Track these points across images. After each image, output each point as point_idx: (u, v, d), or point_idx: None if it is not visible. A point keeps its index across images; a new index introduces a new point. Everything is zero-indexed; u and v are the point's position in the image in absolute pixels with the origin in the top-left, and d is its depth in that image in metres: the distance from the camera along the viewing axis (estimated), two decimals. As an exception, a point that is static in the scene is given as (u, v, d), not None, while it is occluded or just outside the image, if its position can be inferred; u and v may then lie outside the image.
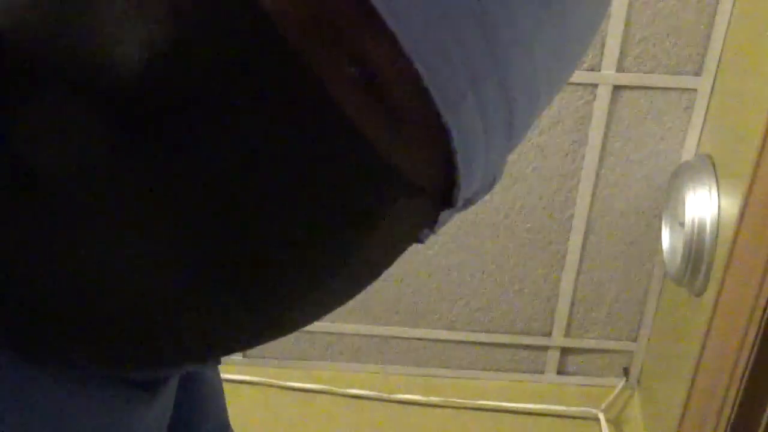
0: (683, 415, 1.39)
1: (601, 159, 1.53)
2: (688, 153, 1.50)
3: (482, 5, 0.25)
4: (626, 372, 1.75)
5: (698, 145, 1.49)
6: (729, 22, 1.38)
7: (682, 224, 1.40)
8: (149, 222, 0.25)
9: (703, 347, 1.31)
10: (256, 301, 0.29)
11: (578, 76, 1.45)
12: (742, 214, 1.19)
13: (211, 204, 0.25)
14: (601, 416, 1.70)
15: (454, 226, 1.62)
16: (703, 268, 1.35)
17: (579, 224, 1.60)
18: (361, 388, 1.75)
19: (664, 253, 1.50)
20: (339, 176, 0.27)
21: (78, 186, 0.25)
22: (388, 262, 0.32)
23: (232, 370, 1.78)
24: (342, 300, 0.33)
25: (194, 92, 0.25)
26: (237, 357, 1.79)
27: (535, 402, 1.73)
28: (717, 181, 1.35)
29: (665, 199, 1.52)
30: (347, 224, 0.28)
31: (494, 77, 0.27)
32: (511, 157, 1.60)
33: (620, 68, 1.44)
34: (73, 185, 0.25)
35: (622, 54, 1.43)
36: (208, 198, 0.25)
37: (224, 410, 0.51)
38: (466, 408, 1.74)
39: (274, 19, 0.25)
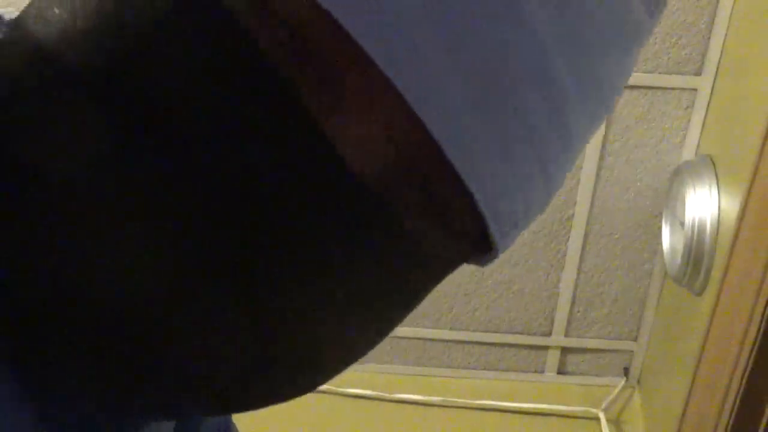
0: (683, 415, 1.39)
1: (601, 159, 1.53)
2: (688, 153, 1.50)
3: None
4: (626, 372, 1.75)
5: (698, 145, 1.49)
6: (729, 22, 1.38)
7: (682, 224, 1.40)
8: (149, 223, 0.25)
9: (703, 347, 1.31)
10: (260, 310, 0.26)
11: (578, 76, 1.45)
12: (742, 214, 1.19)
13: (212, 208, 0.24)
14: (601, 416, 1.70)
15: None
16: (703, 267, 1.35)
17: (579, 224, 1.60)
18: (361, 388, 1.75)
19: (664, 253, 1.50)
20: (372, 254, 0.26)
21: (79, 185, 0.25)
22: (413, 297, 0.31)
23: (232, 370, 1.78)
24: (369, 333, 0.30)
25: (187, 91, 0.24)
26: (237, 357, 1.79)
27: (535, 402, 1.73)
28: (717, 181, 1.35)
29: (665, 199, 1.52)
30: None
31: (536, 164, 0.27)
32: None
33: (620, 68, 1.44)
34: (74, 184, 0.25)
35: (622, 54, 1.43)
36: (210, 200, 0.24)
37: None
38: (466, 408, 1.74)
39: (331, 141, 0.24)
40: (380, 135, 0.24)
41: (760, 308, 1.12)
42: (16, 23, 0.26)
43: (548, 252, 1.64)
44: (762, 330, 1.12)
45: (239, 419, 1.88)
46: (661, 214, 1.55)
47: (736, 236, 1.20)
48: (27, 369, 0.26)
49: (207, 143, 0.24)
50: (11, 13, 0.31)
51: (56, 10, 0.25)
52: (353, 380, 1.77)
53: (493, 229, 0.27)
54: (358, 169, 0.24)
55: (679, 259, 1.42)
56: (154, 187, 0.24)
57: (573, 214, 1.59)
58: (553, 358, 1.76)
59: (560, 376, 1.78)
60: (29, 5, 0.27)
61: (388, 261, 0.27)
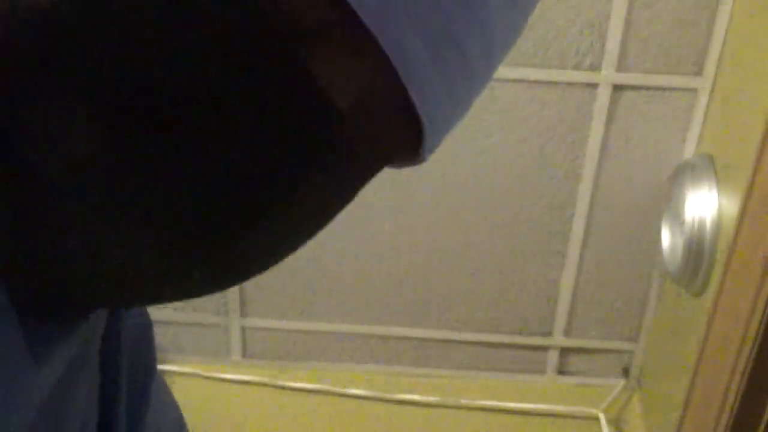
0: (683, 415, 1.39)
1: (601, 159, 1.53)
2: (688, 153, 1.50)
3: None
4: (626, 372, 1.75)
5: (698, 145, 1.49)
6: (729, 22, 1.38)
7: (682, 224, 1.40)
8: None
9: (703, 347, 1.31)
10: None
11: (578, 76, 1.45)
12: (742, 214, 1.19)
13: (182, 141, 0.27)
14: (601, 416, 1.70)
15: (453, 226, 1.62)
16: (703, 268, 1.35)
17: (579, 224, 1.60)
18: (361, 388, 1.75)
19: (664, 253, 1.50)
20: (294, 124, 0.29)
21: (66, 167, 0.27)
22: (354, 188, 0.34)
23: (232, 370, 1.78)
24: (316, 223, 0.34)
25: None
26: (237, 357, 1.79)
27: (535, 402, 1.73)
28: (717, 181, 1.35)
29: (665, 198, 1.52)
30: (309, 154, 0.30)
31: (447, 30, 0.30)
32: (511, 157, 1.60)
33: (620, 68, 1.44)
34: (63, 169, 0.27)
35: (622, 54, 1.43)
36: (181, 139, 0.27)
37: (177, 406, 0.53)
38: (466, 408, 1.74)
39: None
40: (359, 75, 0.29)
41: (760, 308, 1.12)
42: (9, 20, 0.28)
43: (548, 252, 1.64)
44: (762, 330, 1.12)
45: (239, 419, 1.89)
46: (661, 213, 1.55)
47: (735, 236, 1.20)
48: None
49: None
50: None
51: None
52: (353, 380, 1.77)
53: (427, 129, 0.31)
54: (337, 100, 0.29)
55: (679, 259, 1.42)
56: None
57: (573, 214, 1.59)
58: (553, 358, 1.76)
59: (560, 376, 1.78)
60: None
61: (340, 175, 0.31)
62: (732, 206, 1.27)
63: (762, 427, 1.19)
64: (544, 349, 1.76)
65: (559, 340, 1.74)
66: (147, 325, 0.47)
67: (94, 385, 0.40)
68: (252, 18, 0.26)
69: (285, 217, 0.31)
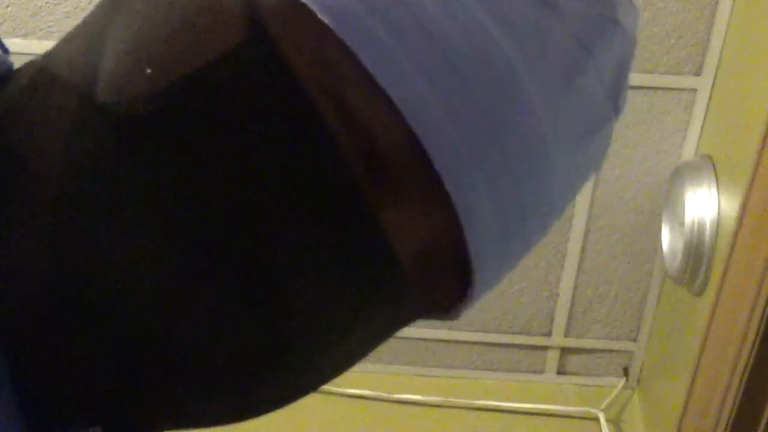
0: (683, 415, 1.39)
1: (601, 159, 1.53)
2: (688, 153, 1.50)
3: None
4: (626, 372, 1.75)
5: (698, 145, 1.49)
6: (729, 22, 1.38)
7: (682, 224, 1.40)
8: (152, 224, 0.27)
9: (703, 347, 1.31)
10: (259, 308, 0.29)
11: (578, 76, 1.45)
12: (742, 214, 1.19)
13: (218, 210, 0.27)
14: (601, 416, 1.70)
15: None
16: (703, 268, 1.35)
17: (579, 224, 1.60)
18: (361, 388, 1.75)
19: (664, 253, 1.50)
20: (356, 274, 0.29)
21: (82, 185, 0.27)
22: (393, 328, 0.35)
23: (232, 370, 1.78)
24: (352, 356, 0.35)
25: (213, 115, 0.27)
26: (237, 357, 1.79)
27: (535, 402, 1.73)
28: (717, 181, 1.35)
29: (665, 199, 1.52)
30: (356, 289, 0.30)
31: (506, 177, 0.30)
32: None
33: (620, 68, 1.44)
34: (78, 185, 0.27)
35: (622, 54, 1.43)
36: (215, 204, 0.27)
37: None
38: (466, 408, 1.74)
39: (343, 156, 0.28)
40: (425, 228, 0.30)
41: (760, 308, 1.12)
42: (42, 69, 0.30)
43: (548, 252, 1.64)
44: (762, 330, 1.12)
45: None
46: (661, 214, 1.55)
47: (735, 236, 1.20)
48: (21, 378, 0.28)
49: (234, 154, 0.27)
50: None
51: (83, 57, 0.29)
52: (353, 380, 1.77)
53: (475, 277, 0.32)
54: (399, 249, 0.30)
55: (679, 259, 1.42)
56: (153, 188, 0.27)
57: (573, 214, 1.59)
58: (552, 358, 1.76)
59: (560, 376, 1.78)
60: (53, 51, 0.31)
61: (388, 319, 0.33)
62: (732, 206, 1.27)
63: (762, 427, 1.19)
64: (544, 349, 1.76)
65: (559, 340, 1.74)
66: None
67: None
68: (331, 155, 0.28)
69: (332, 349, 0.32)
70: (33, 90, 0.29)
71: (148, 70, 0.27)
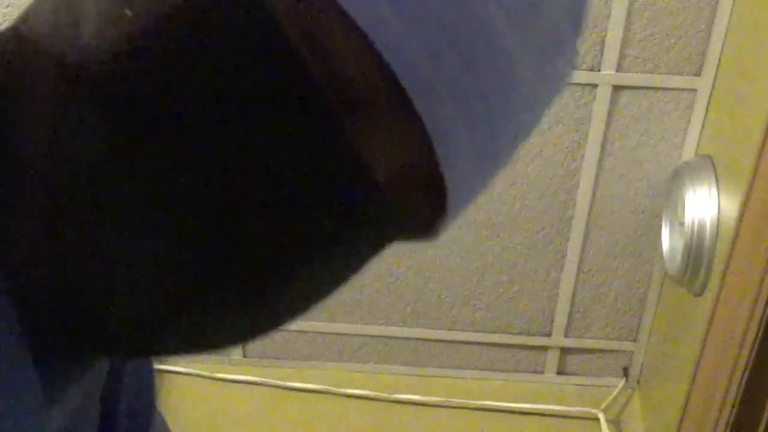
0: (683, 415, 1.39)
1: (601, 159, 1.53)
2: (688, 153, 1.50)
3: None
4: (626, 372, 1.75)
5: (698, 145, 1.49)
6: (729, 22, 1.38)
7: (682, 224, 1.40)
8: (148, 217, 0.28)
9: (703, 347, 1.31)
10: (253, 288, 0.31)
11: (578, 76, 1.45)
12: (742, 214, 1.19)
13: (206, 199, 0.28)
14: (601, 416, 1.70)
15: (454, 226, 1.61)
16: (703, 268, 1.35)
17: (579, 224, 1.60)
18: (361, 388, 1.75)
19: (664, 253, 1.50)
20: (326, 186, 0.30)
21: (78, 184, 0.27)
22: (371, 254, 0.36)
23: (232, 370, 1.78)
24: (327, 288, 0.35)
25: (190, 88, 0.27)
26: (237, 357, 1.79)
27: (535, 402, 1.73)
28: (717, 181, 1.35)
29: (665, 199, 1.52)
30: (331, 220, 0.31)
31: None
32: (511, 157, 1.60)
33: (620, 68, 1.44)
34: (73, 183, 0.27)
35: (622, 54, 1.43)
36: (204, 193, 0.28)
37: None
38: (466, 408, 1.74)
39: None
40: (398, 152, 0.31)
41: (760, 308, 1.12)
42: (15, 31, 0.29)
43: (548, 252, 1.64)
44: (762, 330, 1.12)
45: (239, 419, 1.88)
46: (661, 214, 1.55)
47: (735, 236, 1.20)
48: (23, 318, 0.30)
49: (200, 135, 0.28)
50: (10, 14, 0.33)
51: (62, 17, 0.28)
52: (353, 380, 1.77)
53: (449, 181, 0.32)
54: (376, 174, 0.31)
55: (679, 260, 1.42)
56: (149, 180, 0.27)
57: (573, 214, 1.59)
58: (552, 358, 1.76)
59: (560, 376, 1.78)
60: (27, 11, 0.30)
61: (368, 239, 0.33)
62: (732, 206, 1.27)
63: (762, 427, 1.19)
64: (544, 349, 1.76)
65: (559, 340, 1.74)
66: (150, 373, 0.48)
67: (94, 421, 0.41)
68: (306, 88, 0.28)
69: (317, 268, 0.32)
70: (9, 58, 0.29)
71: (128, 11, 0.27)
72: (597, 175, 1.55)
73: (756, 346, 1.14)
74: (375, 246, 0.34)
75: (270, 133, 0.28)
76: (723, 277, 1.24)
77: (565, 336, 1.73)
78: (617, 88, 1.46)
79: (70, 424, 0.36)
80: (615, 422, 1.72)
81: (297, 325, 1.75)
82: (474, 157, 0.32)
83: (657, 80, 1.45)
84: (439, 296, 1.70)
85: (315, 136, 0.29)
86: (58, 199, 0.28)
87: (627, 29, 1.41)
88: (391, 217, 0.33)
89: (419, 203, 0.34)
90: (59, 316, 0.30)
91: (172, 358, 1.79)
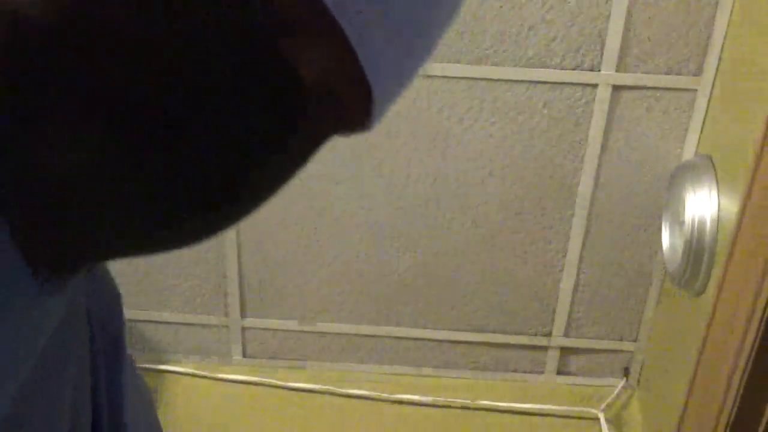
0: (683, 415, 1.39)
1: (601, 159, 1.53)
2: (688, 153, 1.50)
3: None
4: (626, 372, 1.75)
5: (698, 145, 1.49)
6: (729, 22, 1.38)
7: (682, 224, 1.40)
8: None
9: (703, 347, 1.31)
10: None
11: (578, 76, 1.45)
12: (742, 214, 1.19)
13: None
14: (601, 416, 1.70)
15: (454, 226, 1.62)
16: (703, 268, 1.35)
17: (579, 224, 1.60)
18: (361, 388, 1.75)
19: (664, 253, 1.50)
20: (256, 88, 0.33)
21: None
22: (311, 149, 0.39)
23: (232, 370, 1.78)
24: (274, 184, 0.39)
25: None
26: (237, 357, 1.79)
27: (535, 402, 1.73)
28: (717, 181, 1.35)
29: (665, 198, 1.52)
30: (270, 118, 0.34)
31: None
32: (512, 157, 1.60)
33: (620, 68, 1.44)
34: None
35: (622, 54, 1.43)
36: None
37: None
38: (466, 408, 1.74)
39: None
40: (323, 55, 0.34)
41: (760, 308, 1.12)
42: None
43: (548, 252, 1.64)
44: (762, 330, 1.12)
45: (239, 419, 1.88)
46: (661, 214, 1.55)
47: (735, 236, 1.20)
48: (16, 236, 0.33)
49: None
50: None
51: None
52: (353, 380, 1.77)
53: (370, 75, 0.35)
54: (305, 76, 0.34)
55: (678, 259, 1.42)
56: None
57: (573, 214, 1.59)
58: (553, 358, 1.76)
59: (560, 376, 1.78)
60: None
61: (308, 136, 0.37)
62: (732, 206, 1.27)
63: (762, 427, 1.19)
64: (544, 349, 1.76)
65: (559, 340, 1.74)
66: (116, 295, 0.52)
67: (84, 342, 0.45)
68: (244, 14, 0.32)
69: (265, 169, 0.36)
70: None
71: None
72: (597, 175, 1.55)
73: (756, 346, 1.14)
74: (315, 142, 0.38)
75: (208, 48, 0.31)
76: (723, 277, 1.24)
77: (565, 336, 1.73)
78: (617, 88, 1.46)
79: (63, 329, 0.39)
80: (615, 422, 1.72)
81: (297, 325, 1.75)
82: (394, 55, 0.36)
83: (657, 80, 1.45)
84: (439, 296, 1.70)
85: (250, 52, 0.32)
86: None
87: (627, 29, 1.41)
88: (325, 114, 0.36)
89: (349, 101, 0.37)
90: (37, 223, 0.33)
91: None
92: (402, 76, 0.39)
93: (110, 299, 0.50)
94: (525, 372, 1.79)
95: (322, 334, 1.76)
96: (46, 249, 0.34)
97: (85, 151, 0.31)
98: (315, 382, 1.76)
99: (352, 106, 0.38)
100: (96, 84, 0.31)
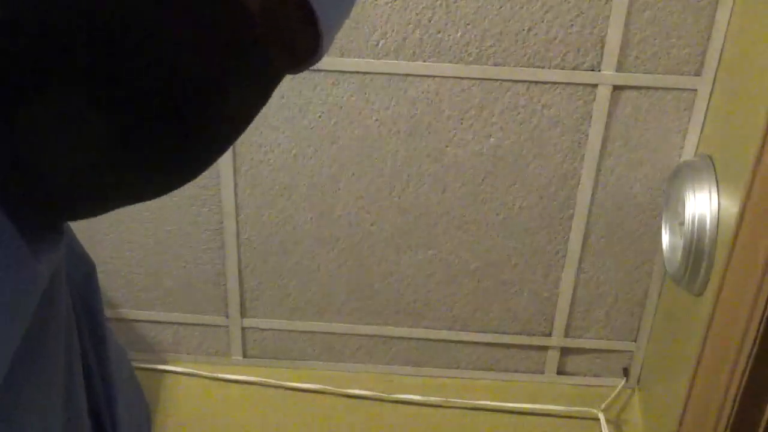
0: (683, 415, 1.39)
1: (601, 159, 1.53)
2: (688, 153, 1.50)
3: None
4: (626, 372, 1.75)
5: (698, 145, 1.49)
6: (729, 22, 1.38)
7: (682, 224, 1.40)
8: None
9: (703, 347, 1.31)
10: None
11: (578, 76, 1.45)
12: (742, 214, 1.19)
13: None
14: (601, 416, 1.70)
15: (454, 225, 1.62)
16: (703, 267, 1.35)
17: (579, 224, 1.60)
18: (361, 388, 1.75)
19: (664, 253, 1.50)
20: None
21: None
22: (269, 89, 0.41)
23: (232, 370, 1.78)
24: (237, 127, 0.41)
25: None
26: (237, 357, 1.79)
27: (535, 402, 1.73)
28: (717, 181, 1.35)
29: (665, 198, 1.52)
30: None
31: None
32: (511, 157, 1.60)
33: (620, 68, 1.44)
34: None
35: (622, 54, 1.43)
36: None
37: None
38: (466, 408, 1.74)
39: None
40: None
41: (760, 308, 1.12)
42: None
43: (548, 252, 1.64)
44: (762, 330, 1.13)
45: (239, 419, 1.88)
46: (661, 214, 1.55)
47: (735, 236, 1.20)
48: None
49: None
50: None
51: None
52: (353, 380, 1.77)
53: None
54: (249, 5, 0.36)
55: (678, 259, 1.42)
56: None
57: (573, 214, 1.59)
58: (552, 358, 1.76)
59: (560, 376, 1.78)
60: None
61: (258, 70, 0.39)
62: (732, 206, 1.27)
63: (762, 427, 1.19)
64: (544, 349, 1.76)
65: (559, 340, 1.74)
66: (91, 266, 0.54)
67: (69, 306, 0.47)
68: None
69: (221, 104, 0.37)
70: None
71: None
72: (597, 175, 1.55)
73: (756, 346, 1.14)
74: (272, 78, 0.40)
75: None
76: (723, 277, 1.24)
77: (565, 336, 1.73)
78: (617, 88, 1.46)
79: (49, 292, 0.41)
80: (615, 422, 1.72)
81: (297, 324, 1.75)
82: None
83: (657, 80, 1.45)
84: (439, 296, 1.70)
85: None
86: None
87: (627, 29, 1.41)
88: (274, 43, 0.38)
89: (297, 35, 0.39)
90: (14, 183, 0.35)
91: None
92: (343, 8, 0.41)
93: (85, 267, 0.53)
94: (525, 372, 1.79)
95: (322, 333, 1.76)
96: (30, 202, 0.36)
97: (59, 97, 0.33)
98: (315, 382, 1.76)
99: (299, 33, 0.40)
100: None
